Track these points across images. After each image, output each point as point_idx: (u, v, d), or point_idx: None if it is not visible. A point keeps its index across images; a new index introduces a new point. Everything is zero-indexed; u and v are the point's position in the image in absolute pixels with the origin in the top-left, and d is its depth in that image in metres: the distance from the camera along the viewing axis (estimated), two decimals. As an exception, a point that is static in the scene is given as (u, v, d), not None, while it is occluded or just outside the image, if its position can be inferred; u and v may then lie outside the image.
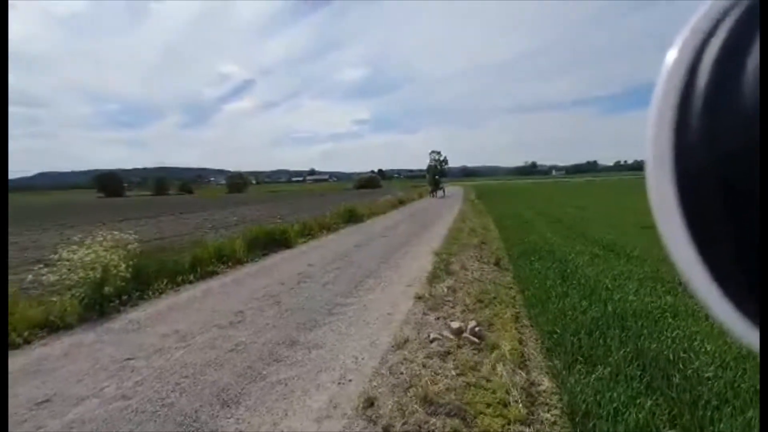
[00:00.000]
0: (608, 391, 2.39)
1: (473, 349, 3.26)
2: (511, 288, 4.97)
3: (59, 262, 4.57)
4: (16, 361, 3.25)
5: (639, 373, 2.61)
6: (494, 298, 4.50)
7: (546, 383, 2.75)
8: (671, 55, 0.25)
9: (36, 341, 3.63)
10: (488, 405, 2.49)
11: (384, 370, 2.95)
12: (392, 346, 3.33)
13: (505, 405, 2.49)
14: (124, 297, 4.66)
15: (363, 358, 3.16)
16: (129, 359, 3.23)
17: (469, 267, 5.96)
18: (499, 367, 2.94)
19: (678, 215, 0.24)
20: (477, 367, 2.98)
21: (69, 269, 4.51)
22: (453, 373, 2.90)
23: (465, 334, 3.50)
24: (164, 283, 5.32)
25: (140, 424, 2.35)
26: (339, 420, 2.38)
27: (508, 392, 2.61)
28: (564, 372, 2.69)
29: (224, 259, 6.73)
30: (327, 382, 2.81)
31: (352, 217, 13.03)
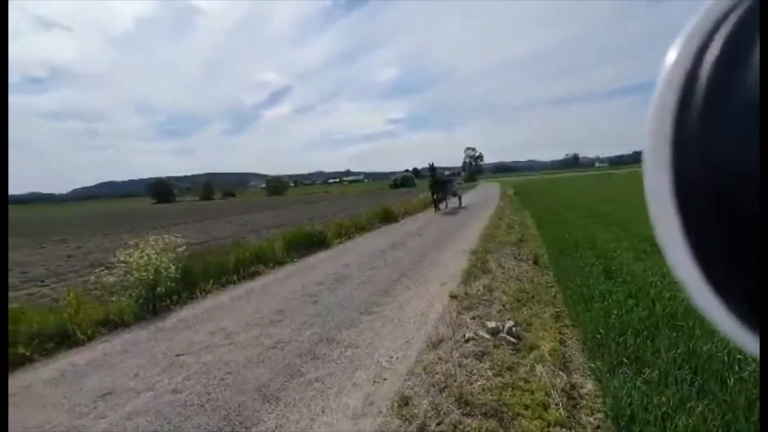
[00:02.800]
0: (656, 394, 2.26)
1: (511, 350, 3.18)
2: (551, 287, 4.80)
3: (117, 265, 4.96)
4: (81, 356, 3.56)
5: (690, 375, 2.45)
6: (533, 297, 4.37)
7: (589, 386, 2.64)
8: (671, 56, 0.25)
9: (98, 338, 3.96)
10: (526, 407, 2.43)
11: (419, 369, 2.95)
12: (427, 346, 3.33)
13: (545, 407, 2.42)
14: (175, 297, 4.97)
15: (398, 357, 3.18)
16: (179, 355, 3.45)
17: (506, 265, 5.82)
18: (538, 368, 2.86)
19: (675, 216, 0.24)
20: (515, 367, 2.91)
21: (126, 271, 4.87)
22: (489, 373, 2.85)
23: (502, 334, 3.43)
24: (210, 283, 5.61)
25: (189, 417, 2.51)
26: (374, 418, 2.42)
27: (547, 394, 2.53)
28: (608, 374, 2.57)
29: (265, 260, 6.99)
30: (362, 380, 2.86)
31: (387, 217, 13.09)
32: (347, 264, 6.81)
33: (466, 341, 3.36)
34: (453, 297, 4.50)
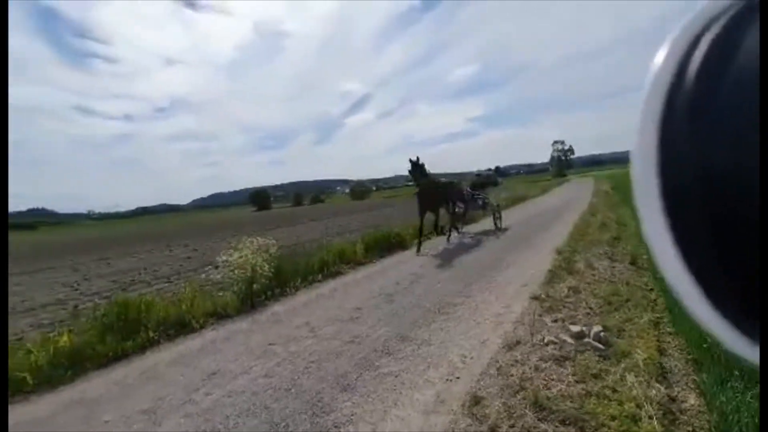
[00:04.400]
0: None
1: (597, 356, 2.94)
2: (651, 290, 4.27)
3: (222, 264, 5.67)
4: (195, 342, 4.17)
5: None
6: (627, 300, 3.95)
7: (691, 400, 2.33)
8: (659, 56, 0.25)
9: (208, 327, 4.59)
10: (613, 418, 2.24)
11: (492, 370, 2.89)
12: (502, 347, 3.23)
13: (635, 420, 2.20)
14: (269, 293, 5.53)
15: (471, 357, 3.14)
16: (271, 344, 3.84)
17: (597, 266, 5.33)
18: (630, 378, 2.60)
19: (663, 219, 0.24)
20: (601, 375, 2.69)
21: (229, 270, 5.56)
22: (571, 379, 2.68)
23: (587, 339, 3.18)
24: (299, 281, 6.11)
25: (278, 400, 2.80)
26: (445, 415, 2.44)
27: (639, 406, 2.30)
28: (715, 388, 2.24)
29: (347, 261, 7.38)
30: (434, 377, 2.89)
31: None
32: (423, 264, 6.86)
33: (546, 345, 3.19)
34: (534, 298, 4.27)
